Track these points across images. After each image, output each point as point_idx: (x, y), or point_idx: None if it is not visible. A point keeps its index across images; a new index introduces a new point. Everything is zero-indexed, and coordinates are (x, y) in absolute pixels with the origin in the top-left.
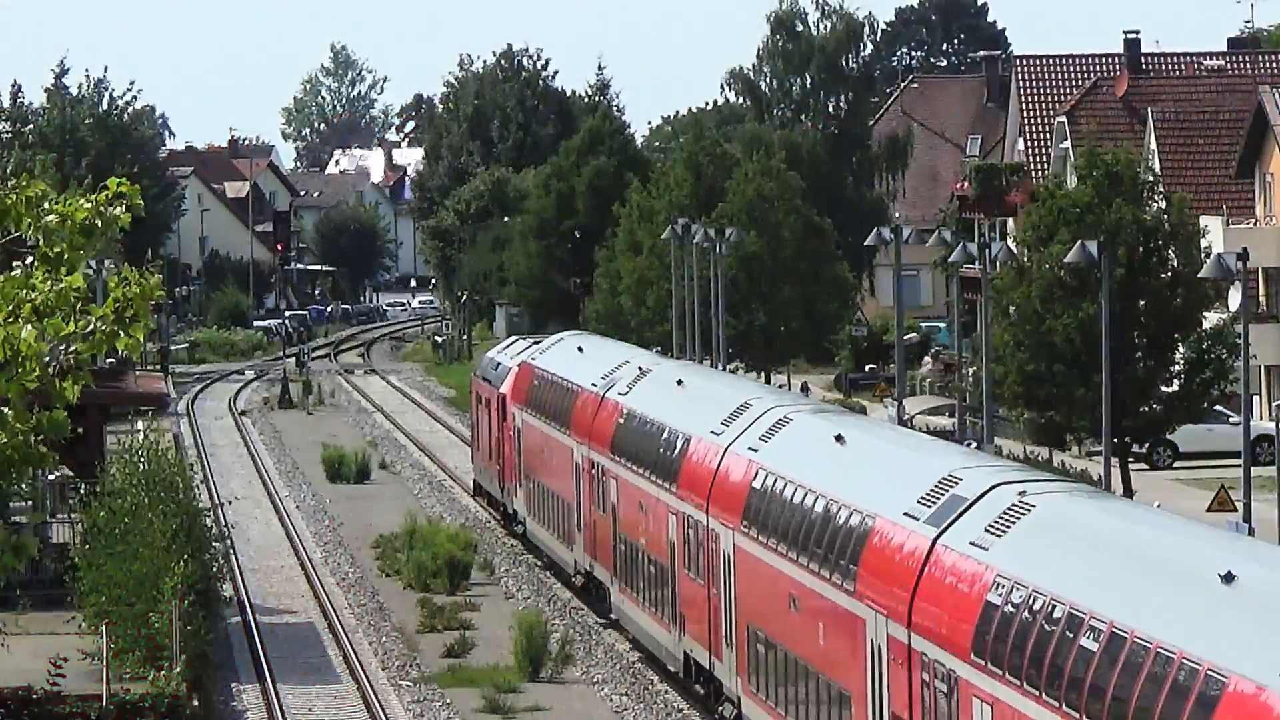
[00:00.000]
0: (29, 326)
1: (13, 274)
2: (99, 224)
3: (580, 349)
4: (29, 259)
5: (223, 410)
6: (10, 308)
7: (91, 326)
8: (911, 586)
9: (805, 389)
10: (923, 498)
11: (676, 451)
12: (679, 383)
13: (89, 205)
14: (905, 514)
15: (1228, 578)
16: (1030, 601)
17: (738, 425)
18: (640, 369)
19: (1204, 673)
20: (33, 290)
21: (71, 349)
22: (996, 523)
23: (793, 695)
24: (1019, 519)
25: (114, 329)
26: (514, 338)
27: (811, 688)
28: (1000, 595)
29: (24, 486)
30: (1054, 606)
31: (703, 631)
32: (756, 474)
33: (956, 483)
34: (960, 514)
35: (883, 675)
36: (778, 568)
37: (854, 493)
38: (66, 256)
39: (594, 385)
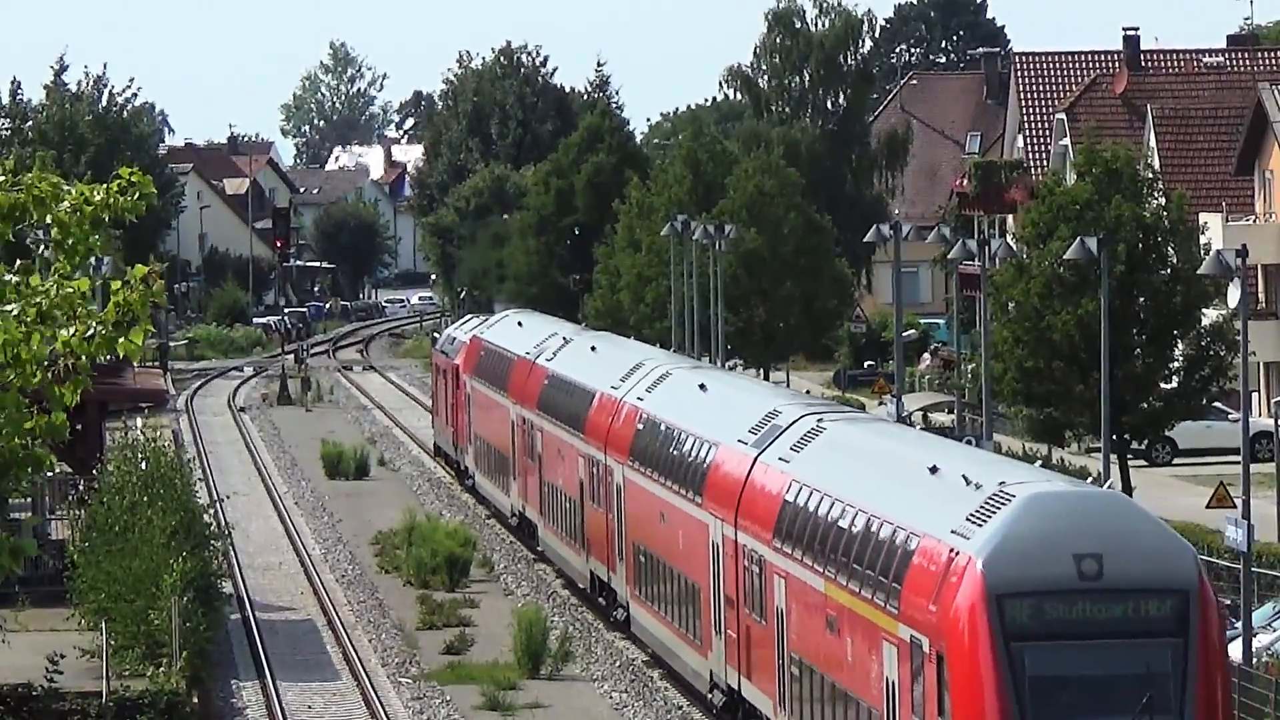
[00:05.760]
0: (32, 331)
1: (18, 273)
2: (106, 217)
3: (520, 324)
4: (41, 248)
5: (221, 407)
6: (14, 310)
7: (92, 330)
8: (738, 495)
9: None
10: (752, 428)
11: (585, 404)
12: (593, 349)
13: (100, 196)
14: (738, 440)
15: (933, 469)
16: (810, 497)
17: (632, 380)
18: (564, 339)
19: (906, 534)
20: (37, 294)
21: (73, 355)
22: (798, 443)
23: (663, 594)
24: (814, 439)
25: (114, 333)
26: (470, 316)
27: (675, 585)
28: (793, 495)
29: (23, 484)
30: (823, 499)
31: (602, 551)
32: (640, 417)
33: (777, 415)
34: (775, 438)
35: (720, 566)
36: (653, 492)
37: (707, 427)
38: (79, 247)
39: (527, 353)
